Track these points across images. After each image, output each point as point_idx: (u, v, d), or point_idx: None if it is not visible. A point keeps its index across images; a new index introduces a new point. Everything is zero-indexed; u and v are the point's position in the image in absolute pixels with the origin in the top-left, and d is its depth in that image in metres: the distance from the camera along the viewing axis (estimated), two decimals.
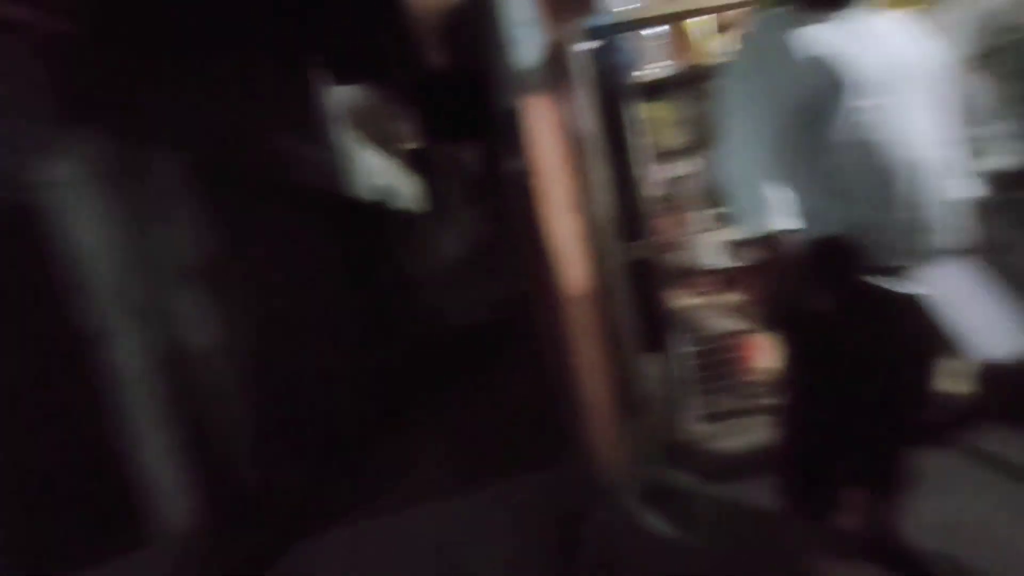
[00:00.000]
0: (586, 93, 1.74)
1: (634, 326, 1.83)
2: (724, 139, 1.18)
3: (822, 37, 1.10)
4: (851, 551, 1.40)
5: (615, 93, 1.84)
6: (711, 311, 1.97)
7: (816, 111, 1.10)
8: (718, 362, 1.90)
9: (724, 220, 1.91)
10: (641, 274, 1.87)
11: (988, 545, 1.39)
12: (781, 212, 1.09)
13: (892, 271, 1.07)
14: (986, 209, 1.20)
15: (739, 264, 1.71)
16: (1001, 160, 2.41)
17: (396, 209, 5.56)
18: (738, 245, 1.18)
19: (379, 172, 5.44)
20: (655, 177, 1.92)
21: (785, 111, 1.11)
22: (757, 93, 1.12)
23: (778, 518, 1.37)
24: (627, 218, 1.85)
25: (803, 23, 1.11)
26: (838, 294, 0.83)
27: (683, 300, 1.97)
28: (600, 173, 1.77)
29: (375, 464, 3.04)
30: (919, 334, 1.24)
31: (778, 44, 1.11)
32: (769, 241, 1.09)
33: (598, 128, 1.78)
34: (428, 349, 5.08)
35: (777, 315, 1.22)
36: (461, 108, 3.94)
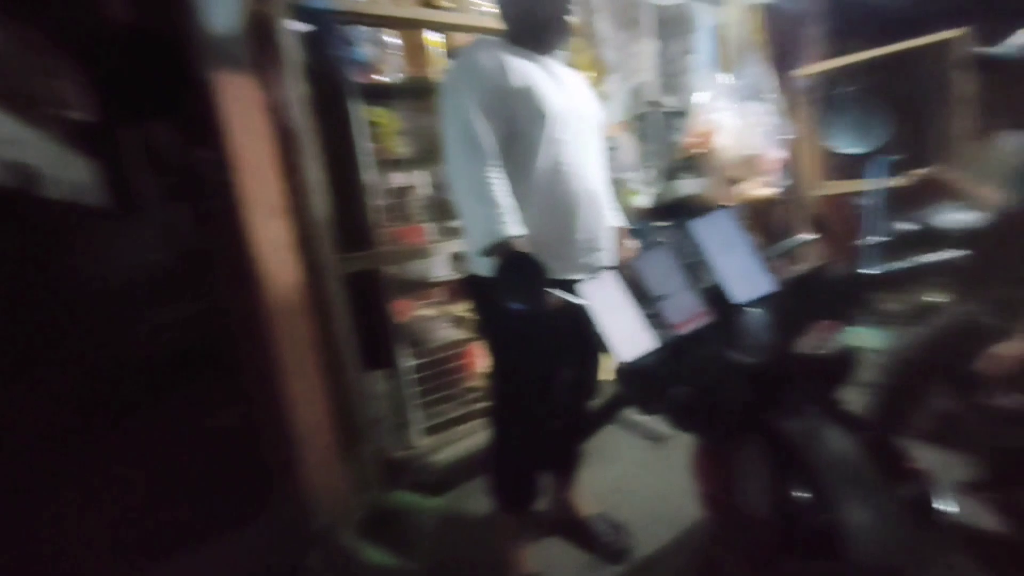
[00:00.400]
0: (298, 81, 1.54)
1: (355, 342, 1.70)
2: (451, 150, 1.20)
3: (529, 71, 1.23)
4: (547, 531, 1.60)
5: (337, 89, 1.69)
6: (437, 322, 2.01)
7: (522, 135, 1.22)
8: (442, 373, 1.94)
9: (450, 232, 1.97)
10: (363, 287, 1.77)
11: (633, 498, 1.77)
12: (510, 218, 1.15)
13: (567, 284, 1.27)
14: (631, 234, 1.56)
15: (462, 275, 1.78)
16: (642, 199, 3.28)
17: (44, 199, 4.02)
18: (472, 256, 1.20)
19: (11, 143, 3.85)
20: (380, 185, 1.85)
21: (499, 130, 1.19)
22: (475, 109, 1.17)
23: (491, 517, 1.47)
24: (347, 226, 1.73)
25: (514, 55, 1.23)
26: (526, 305, 0.89)
27: (408, 312, 1.95)
28: (315, 174, 1.59)
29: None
30: (586, 337, 1.51)
31: (492, 68, 1.19)
32: (502, 248, 1.13)
33: (314, 124, 1.60)
34: (100, 380, 3.82)
35: (480, 323, 1.31)
36: (144, 74, 3.11)
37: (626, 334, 0.85)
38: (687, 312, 0.84)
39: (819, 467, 0.75)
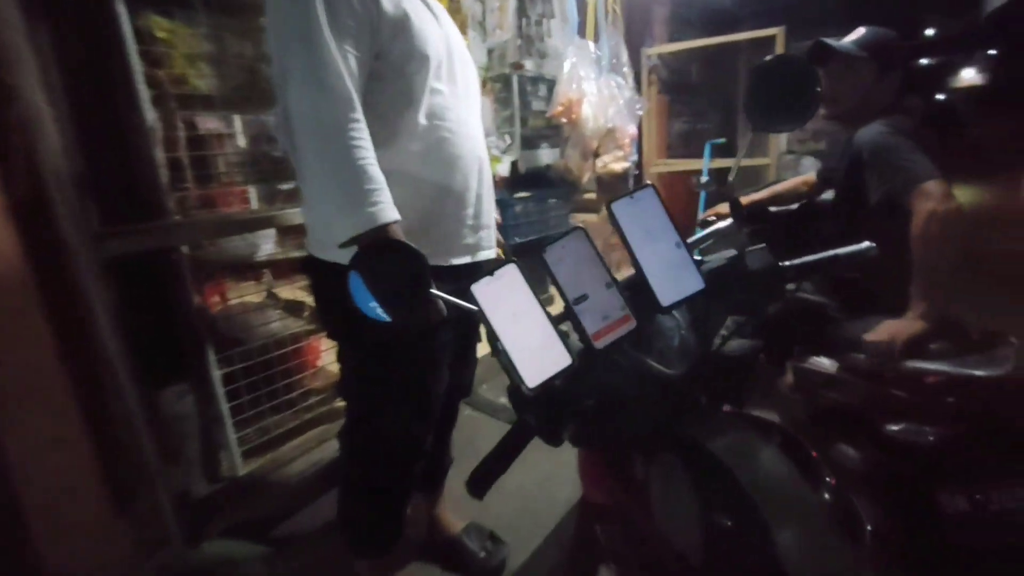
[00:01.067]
0: None
1: (131, 350, 1.19)
2: (301, 91, 0.81)
3: None
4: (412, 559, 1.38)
5: None
6: (260, 313, 1.58)
7: (396, 80, 0.89)
8: (268, 378, 1.52)
9: (279, 197, 1.53)
10: (151, 271, 1.28)
11: (504, 494, 1.64)
12: (385, 198, 0.83)
13: (451, 272, 1.01)
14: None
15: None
16: (502, 168, 3.12)
17: None
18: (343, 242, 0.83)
19: None
20: (172, 132, 1.33)
21: (362, 67, 0.85)
22: (332, 28, 0.81)
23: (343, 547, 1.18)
24: (119, 187, 1.21)
25: None
26: (402, 317, 0.62)
27: (221, 302, 1.49)
28: (41, 104, 1.03)
29: None
30: (469, 336, 1.28)
31: None
32: (366, 239, 0.81)
33: (48, 29, 1.04)
34: None
35: (338, 324, 0.99)
36: None
37: (532, 350, 0.64)
38: (607, 318, 0.66)
39: (750, 484, 0.65)
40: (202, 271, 1.39)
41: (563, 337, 0.65)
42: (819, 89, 0.70)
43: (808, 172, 1.78)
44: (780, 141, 3.30)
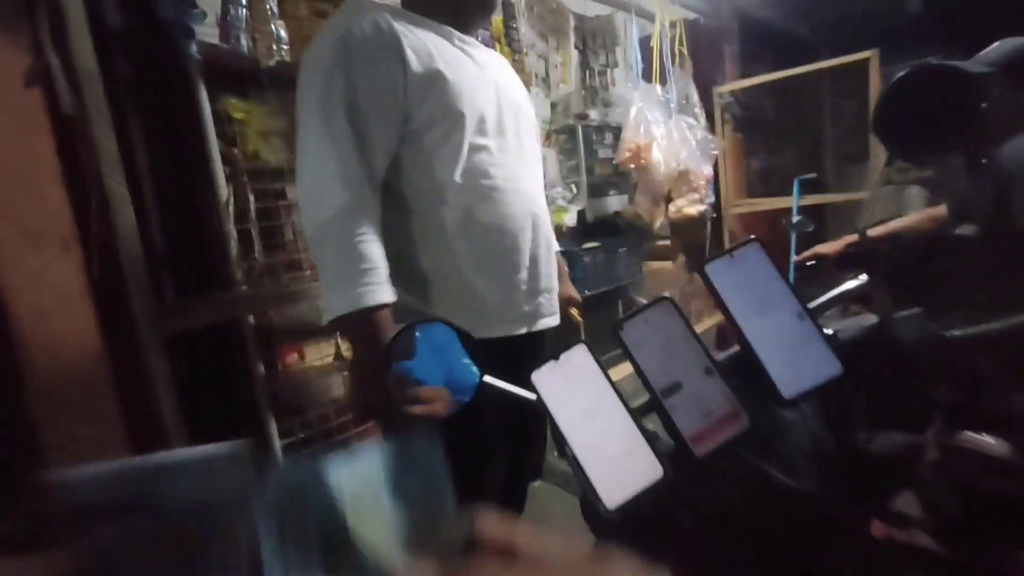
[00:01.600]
0: (104, 50, 1.04)
1: (186, 421, 1.16)
2: (309, 164, 0.79)
3: (439, 50, 0.85)
4: None
5: (173, 70, 1.21)
6: (326, 378, 1.54)
7: (429, 140, 0.83)
8: (334, 445, 1.48)
9: None
10: (218, 340, 1.28)
11: None
12: (379, 279, 0.77)
13: (504, 345, 0.90)
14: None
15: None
16: (569, 218, 3.04)
17: None
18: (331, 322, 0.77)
19: None
20: (244, 204, 1.37)
21: (385, 136, 0.81)
22: (357, 99, 0.78)
23: None
24: (190, 261, 1.24)
25: (416, 25, 0.84)
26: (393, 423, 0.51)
27: (285, 368, 1.47)
28: (119, 195, 1.06)
29: None
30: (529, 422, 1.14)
31: (381, 43, 0.80)
32: (361, 321, 0.75)
33: (143, 117, 1.11)
34: None
35: (373, 414, 0.89)
36: None
37: (610, 457, 0.49)
38: (709, 415, 0.50)
39: None
40: (270, 339, 1.38)
41: (651, 439, 0.50)
42: (984, 106, 0.53)
43: (914, 204, 1.50)
44: (877, 171, 2.96)
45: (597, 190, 3.02)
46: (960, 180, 1.40)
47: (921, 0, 3.34)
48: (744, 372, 0.53)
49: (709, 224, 3.14)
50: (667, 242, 2.94)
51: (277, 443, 1.35)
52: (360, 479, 0.33)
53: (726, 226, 3.27)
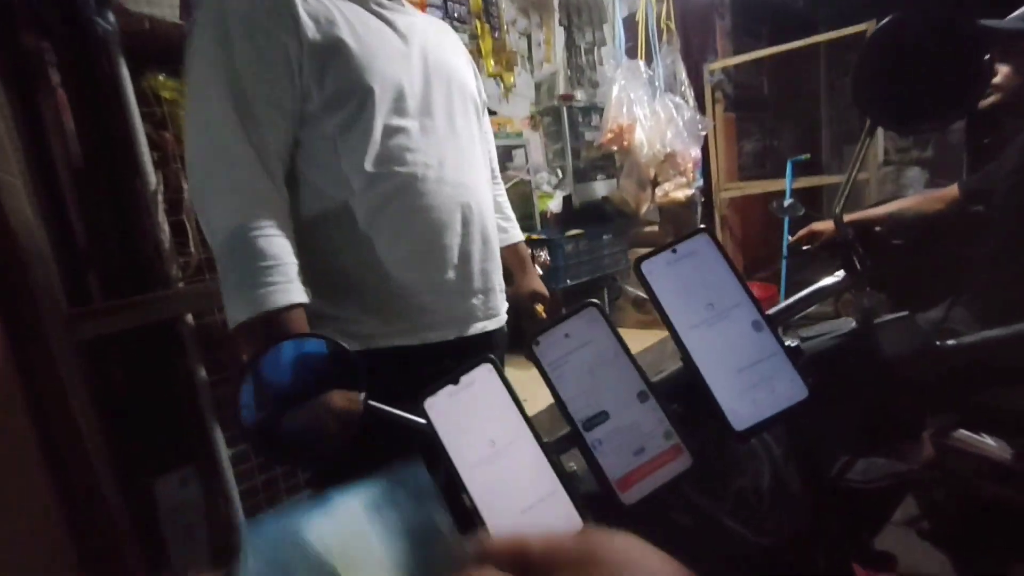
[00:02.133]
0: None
1: (114, 432, 1.06)
2: (196, 156, 0.68)
3: (343, 14, 0.73)
4: None
5: (86, 42, 1.09)
6: None
7: (331, 122, 0.72)
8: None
9: None
10: (154, 342, 1.18)
11: None
12: (284, 277, 0.66)
13: (436, 353, 0.80)
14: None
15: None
16: (554, 204, 2.92)
17: None
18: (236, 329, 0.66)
19: None
20: (178, 195, 1.24)
21: (285, 114, 0.70)
22: (241, 77, 0.67)
23: None
24: (117, 258, 1.13)
25: None
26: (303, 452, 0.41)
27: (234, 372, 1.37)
28: (15, 174, 0.95)
29: None
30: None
31: (276, 7, 0.68)
32: (268, 327, 0.65)
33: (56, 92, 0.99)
34: None
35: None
36: None
37: (517, 509, 0.40)
38: (641, 452, 0.40)
39: None
40: (212, 340, 1.28)
41: (569, 483, 0.40)
42: (987, 59, 0.42)
43: (914, 185, 1.40)
44: (878, 150, 2.83)
45: (584, 174, 2.89)
46: (974, 158, 1.28)
47: None
48: (688, 396, 0.43)
49: (699, 209, 3.02)
50: (655, 228, 2.83)
51: (224, 453, 1.26)
52: (342, 526, 0.32)
53: (717, 211, 3.15)
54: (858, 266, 0.46)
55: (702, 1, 3.24)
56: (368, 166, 0.72)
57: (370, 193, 0.73)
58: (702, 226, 0.45)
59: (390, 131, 0.74)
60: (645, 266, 0.44)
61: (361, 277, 0.75)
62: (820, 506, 0.45)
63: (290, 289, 0.66)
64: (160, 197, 1.15)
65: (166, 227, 1.16)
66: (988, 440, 1.02)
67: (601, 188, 2.91)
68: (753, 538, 0.42)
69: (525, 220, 2.70)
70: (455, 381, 0.43)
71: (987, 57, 0.42)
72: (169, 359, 1.19)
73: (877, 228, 1.25)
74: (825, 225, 1.23)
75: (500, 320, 0.90)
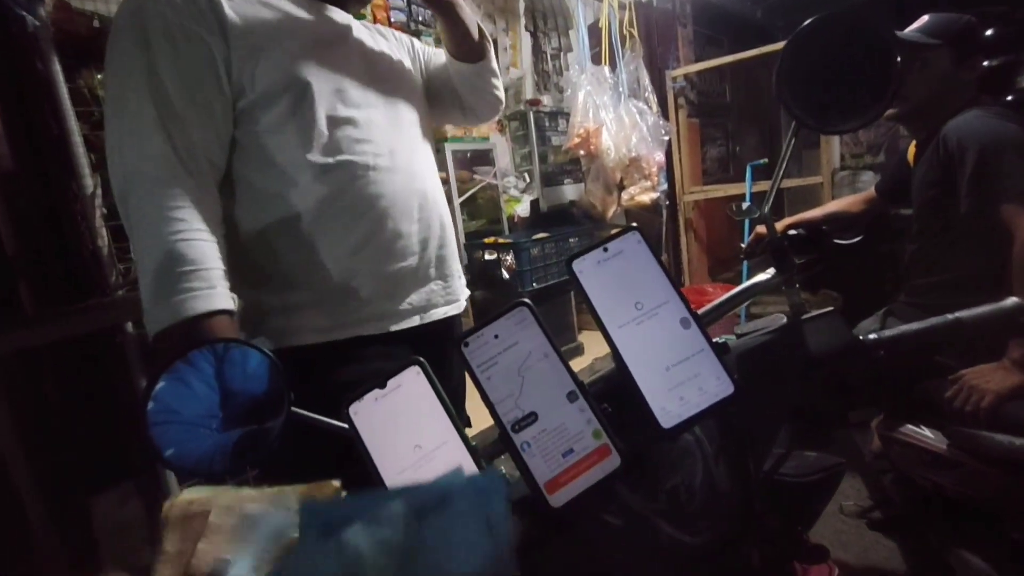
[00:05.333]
0: None
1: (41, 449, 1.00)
2: (118, 161, 0.65)
3: (272, 12, 0.71)
4: None
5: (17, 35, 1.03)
6: None
7: (268, 117, 0.70)
8: None
9: None
10: (89, 355, 1.12)
11: None
12: (205, 283, 0.63)
13: (396, 341, 0.78)
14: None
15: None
16: (522, 208, 2.92)
17: None
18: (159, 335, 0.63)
19: None
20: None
21: (215, 113, 0.67)
22: (163, 78, 0.64)
23: None
24: (51, 264, 1.07)
25: None
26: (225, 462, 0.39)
27: None
28: None
29: None
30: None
31: (199, 5, 0.65)
32: (188, 336, 0.61)
33: None
34: None
35: None
36: None
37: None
38: (570, 453, 0.39)
39: None
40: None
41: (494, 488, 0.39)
42: (900, 61, 0.44)
43: (868, 188, 1.47)
44: (833, 155, 2.94)
45: (551, 178, 2.91)
46: (894, 162, 1.36)
47: None
48: (619, 396, 0.43)
49: (665, 212, 3.07)
50: None
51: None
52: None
53: (682, 214, 3.22)
54: (788, 264, 0.47)
55: (665, 10, 3.31)
56: (314, 157, 0.70)
57: (320, 184, 0.71)
58: (633, 225, 0.45)
59: (337, 122, 0.72)
60: (576, 264, 0.43)
61: (314, 270, 0.73)
62: (753, 502, 0.46)
63: (212, 295, 0.62)
64: (98, 201, 1.10)
65: (105, 232, 1.11)
66: (927, 432, 1.07)
67: (569, 192, 2.93)
68: (685, 538, 0.42)
69: (493, 224, 2.71)
70: (382, 385, 0.42)
71: (899, 59, 0.43)
72: (108, 370, 1.13)
73: (824, 227, 1.29)
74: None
75: (460, 305, 0.89)
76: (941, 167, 1.08)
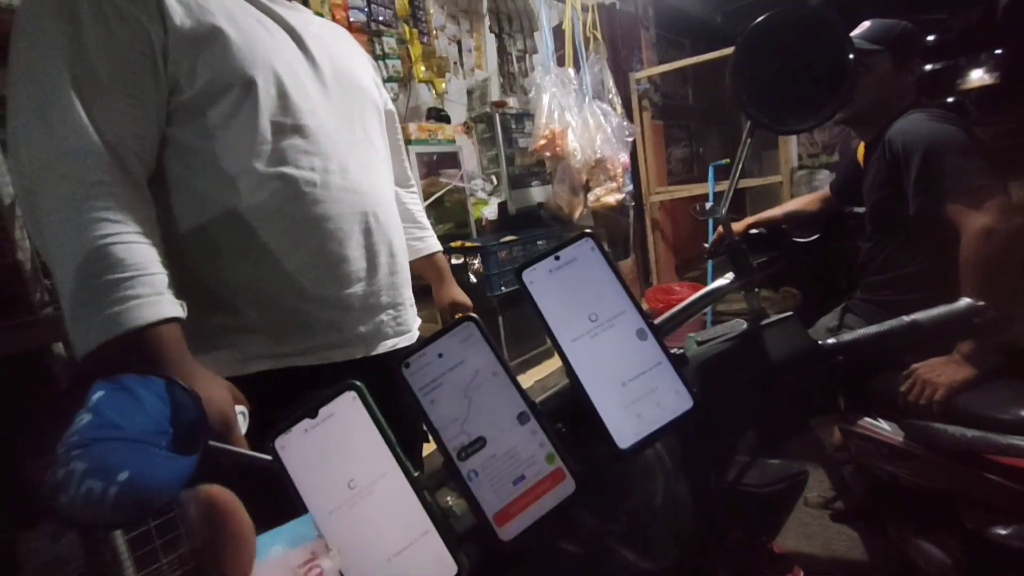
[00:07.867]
0: None
1: None
2: (24, 155, 0.57)
3: (219, 3, 0.65)
4: None
5: None
6: None
7: (207, 116, 0.64)
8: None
9: None
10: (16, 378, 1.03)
11: None
12: (149, 289, 0.57)
13: (341, 374, 0.73)
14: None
15: None
16: (489, 211, 2.89)
17: None
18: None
19: None
20: None
21: (146, 105, 0.61)
22: (91, 61, 0.58)
23: None
24: None
25: None
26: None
27: None
28: None
29: None
30: None
31: None
32: (129, 351, 0.55)
33: None
34: None
35: None
36: None
37: (383, 555, 0.35)
38: (521, 480, 0.36)
39: None
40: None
41: (442, 522, 0.35)
42: (852, 58, 0.43)
43: (824, 186, 1.51)
44: (791, 155, 3.02)
45: (519, 181, 2.88)
46: (846, 162, 1.39)
47: None
48: (573, 413, 0.40)
49: (631, 213, 3.10)
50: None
51: None
52: None
53: (648, 214, 3.25)
54: (746, 269, 0.45)
55: (628, 13, 3.34)
56: (257, 165, 0.65)
57: (260, 197, 0.65)
58: (587, 229, 0.43)
59: (282, 129, 0.66)
60: (526, 275, 0.40)
61: (253, 291, 0.67)
62: (716, 516, 0.44)
63: (161, 301, 0.56)
64: (18, 211, 1.01)
65: (28, 245, 1.02)
66: (883, 425, 1.09)
67: (537, 194, 2.91)
68: (645, 564, 0.39)
69: (460, 227, 2.66)
70: (312, 414, 0.38)
71: (851, 57, 0.42)
72: (34, 396, 1.04)
73: (783, 226, 1.31)
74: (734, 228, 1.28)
75: (412, 336, 0.84)
76: (888, 169, 1.11)
